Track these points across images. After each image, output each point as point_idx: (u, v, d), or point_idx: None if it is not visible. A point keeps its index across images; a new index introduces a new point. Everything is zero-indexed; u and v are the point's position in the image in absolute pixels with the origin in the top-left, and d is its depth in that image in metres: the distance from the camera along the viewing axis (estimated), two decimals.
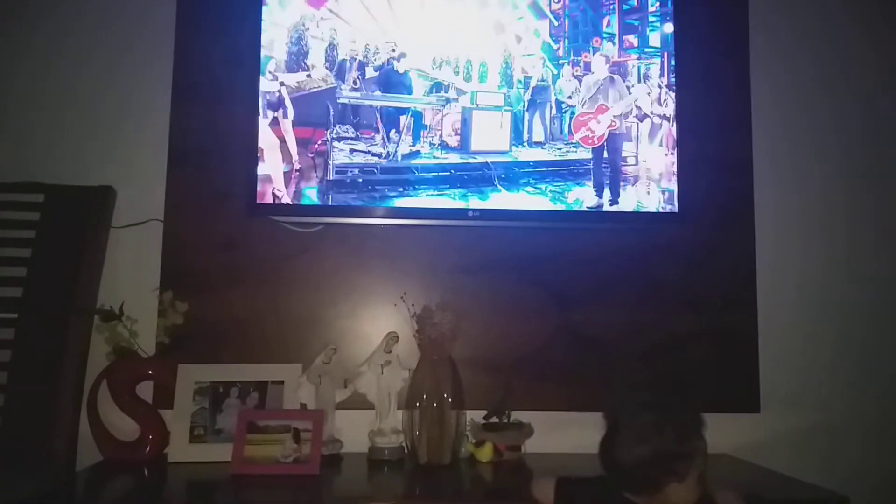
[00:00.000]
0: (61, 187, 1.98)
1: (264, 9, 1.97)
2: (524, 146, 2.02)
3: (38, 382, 1.80)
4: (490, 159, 2.01)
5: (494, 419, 1.96)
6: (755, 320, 2.15)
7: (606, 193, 2.02)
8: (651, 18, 2.08)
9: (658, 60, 2.07)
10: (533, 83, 2.03)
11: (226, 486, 1.65)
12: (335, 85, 1.97)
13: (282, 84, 1.95)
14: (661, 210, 2.03)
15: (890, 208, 2.26)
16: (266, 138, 1.94)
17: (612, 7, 2.06)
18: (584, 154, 2.03)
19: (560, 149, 2.03)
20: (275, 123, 1.95)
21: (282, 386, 1.93)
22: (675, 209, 2.03)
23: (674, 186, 2.03)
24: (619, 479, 1.27)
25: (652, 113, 2.05)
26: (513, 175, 2.00)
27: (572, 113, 2.03)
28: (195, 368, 1.93)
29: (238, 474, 1.68)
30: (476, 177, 2.00)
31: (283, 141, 1.94)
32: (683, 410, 1.28)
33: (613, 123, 2.04)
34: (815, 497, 1.67)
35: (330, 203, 1.95)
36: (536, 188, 2.01)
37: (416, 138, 1.99)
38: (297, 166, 1.94)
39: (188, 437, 1.85)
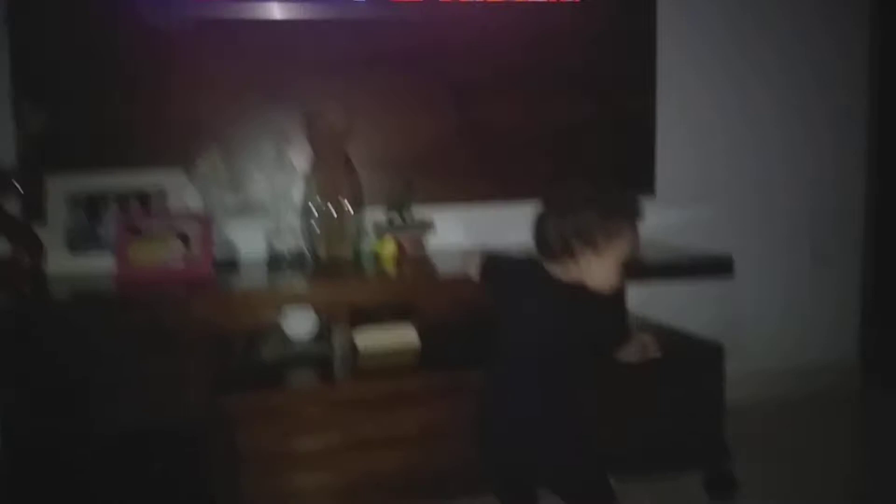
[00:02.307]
0: None
1: None
2: None
3: None
4: None
5: (397, 217, 1.92)
6: (654, 107, 2.14)
7: None
8: None
9: None
10: None
11: (113, 292, 1.56)
12: None
13: None
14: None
15: None
16: None
17: None
18: None
19: None
20: None
21: (165, 193, 1.80)
22: None
23: None
24: (542, 250, 1.26)
25: None
26: None
27: None
28: (66, 179, 1.77)
29: (124, 280, 1.59)
30: None
31: None
32: (616, 193, 1.28)
33: None
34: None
35: None
36: None
37: None
38: None
39: (66, 249, 1.74)
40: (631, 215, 1.27)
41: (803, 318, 2.32)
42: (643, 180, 2.14)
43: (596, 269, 1.24)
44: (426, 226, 1.92)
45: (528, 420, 1.24)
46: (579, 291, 1.25)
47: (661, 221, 2.14)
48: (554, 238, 1.23)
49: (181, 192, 1.81)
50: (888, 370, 2.40)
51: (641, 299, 2.09)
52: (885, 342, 2.42)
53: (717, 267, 1.73)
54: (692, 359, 1.69)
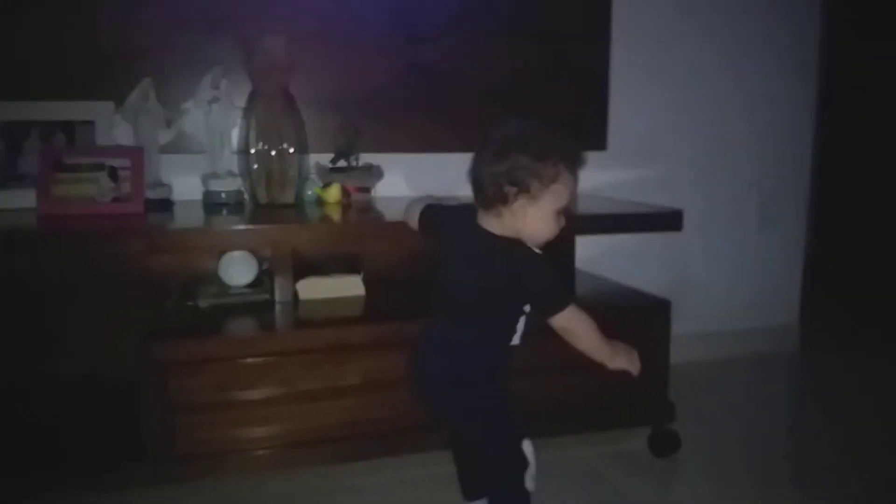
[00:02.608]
0: None
1: None
2: None
3: None
4: None
5: (342, 162, 1.84)
6: (607, 57, 2.10)
7: None
8: None
9: None
10: None
11: (36, 231, 1.44)
12: None
13: None
14: None
15: None
16: None
17: None
18: None
19: None
20: None
21: (92, 126, 1.68)
22: None
23: None
24: (478, 197, 1.19)
25: None
26: None
27: None
28: None
29: (47, 218, 1.47)
30: None
31: None
32: (553, 136, 1.18)
33: None
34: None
35: None
36: None
37: None
38: None
39: None
40: (569, 160, 1.18)
41: (747, 281, 2.36)
42: (595, 133, 2.10)
43: (531, 218, 1.17)
44: (373, 172, 1.85)
45: (447, 372, 1.21)
46: (516, 246, 1.18)
47: (612, 177, 2.13)
48: (487, 182, 1.16)
49: (111, 126, 1.68)
50: (826, 333, 2.48)
51: (588, 256, 2.09)
52: (823, 306, 2.49)
53: (666, 220, 1.72)
54: (639, 313, 1.68)
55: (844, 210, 3.51)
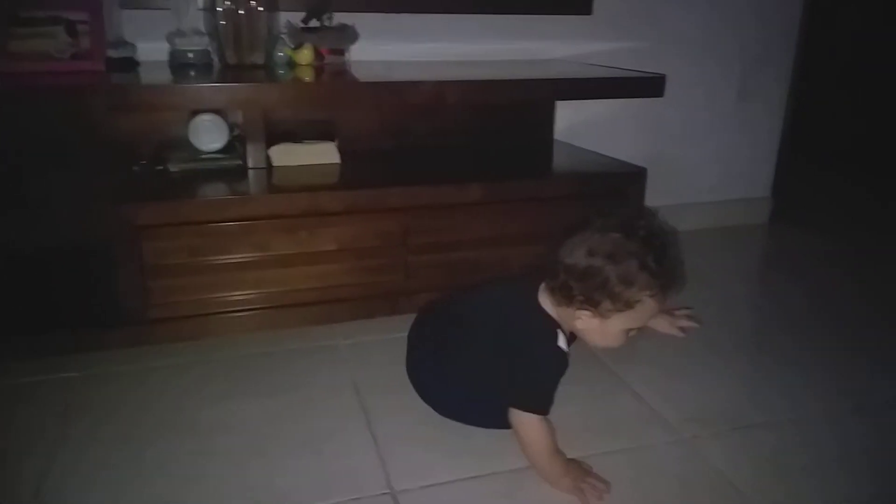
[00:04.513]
0: None
1: None
2: None
3: None
4: None
5: (314, 21, 1.76)
6: None
7: None
8: None
9: None
10: None
11: None
12: None
13: None
14: None
15: None
16: None
17: None
18: None
19: None
20: None
21: None
22: None
23: None
24: (547, 272, 1.10)
25: None
26: None
27: None
28: None
29: (5, 76, 1.40)
30: None
31: None
32: (652, 262, 1.03)
33: None
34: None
35: None
36: None
37: None
38: None
39: None
40: (658, 292, 1.05)
41: (724, 154, 2.35)
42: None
43: (591, 330, 1.09)
44: (347, 33, 1.77)
45: (431, 373, 1.24)
46: (543, 329, 1.09)
47: (596, 46, 2.06)
48: (560, 271, 1.06)
49: None
50: (794, 206, 2.51)
51: (566, 127, 2.05)
52: (793, 181, 2.51)
53: (648, 85, 1.68)
54: (615, 180, 1.68)
55: (828, 87, 3.47)
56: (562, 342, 1.09)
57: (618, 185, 1.66)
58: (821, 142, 3.53)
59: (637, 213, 1.10)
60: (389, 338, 1.52)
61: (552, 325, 1.10)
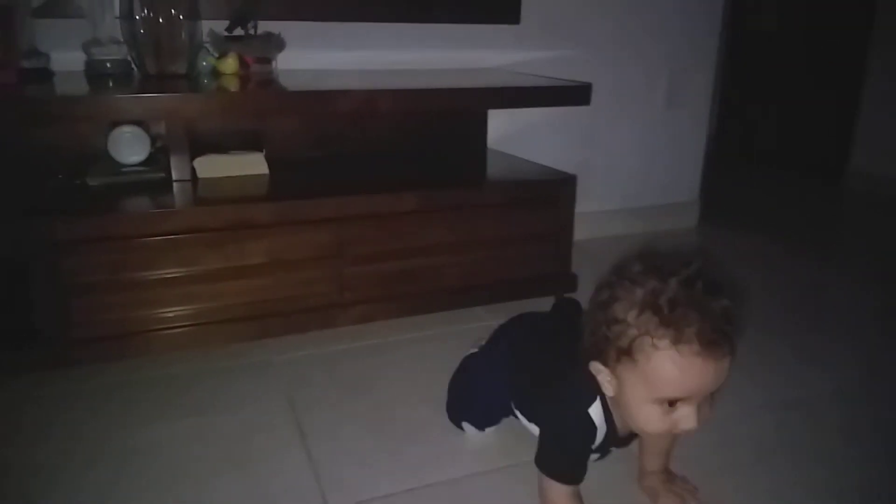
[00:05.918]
0: None
1: None
2: None
3: None
4: None
5: (239, 30, 1.72)
6: None
7: None
8: None
9: None
10: None
11: None
12: None
13: None
14: None
15: None
16: None
17: None
18: None
19: None
20: None
21: None
22: None
23: None
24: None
25: None
26: None
27: None
28: None
29: None
30: None
31: None
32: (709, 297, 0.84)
33: None
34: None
35: None
36: None
37: None
38: None
39: None
40: (674, 338, 0.81)
41: (652, 161, 2.40)
42: (508, 4, 2.03)
43: (616, 394, 0.90)
44: (273, 41, 1.74)
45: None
46: (573, 395, 0.96)
47: (524, 55, 2.08)
48: (587, 324, 0.91)
49: None
50: (719, 208, 2.59)
51: (500, 136, 2.06)
52: (721, 183, 2.59)
53: (575, 94, 1.71)
54: (546, 187, 1.69)
55: (753, 90, 3.60)
56: (595, 409, 0.95)
57: (549, 192, 1.68)
58: (745, 144, 3.66)
59: (690, 261, 0.88)
60: (324, 352, 1.49)
61: (592, 389, 0.94)
